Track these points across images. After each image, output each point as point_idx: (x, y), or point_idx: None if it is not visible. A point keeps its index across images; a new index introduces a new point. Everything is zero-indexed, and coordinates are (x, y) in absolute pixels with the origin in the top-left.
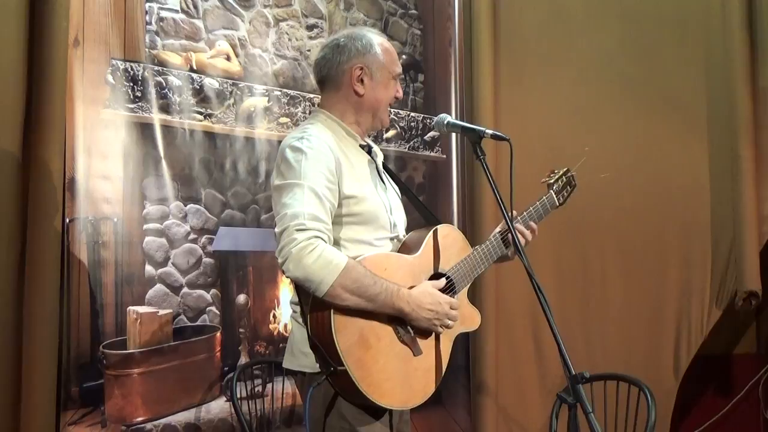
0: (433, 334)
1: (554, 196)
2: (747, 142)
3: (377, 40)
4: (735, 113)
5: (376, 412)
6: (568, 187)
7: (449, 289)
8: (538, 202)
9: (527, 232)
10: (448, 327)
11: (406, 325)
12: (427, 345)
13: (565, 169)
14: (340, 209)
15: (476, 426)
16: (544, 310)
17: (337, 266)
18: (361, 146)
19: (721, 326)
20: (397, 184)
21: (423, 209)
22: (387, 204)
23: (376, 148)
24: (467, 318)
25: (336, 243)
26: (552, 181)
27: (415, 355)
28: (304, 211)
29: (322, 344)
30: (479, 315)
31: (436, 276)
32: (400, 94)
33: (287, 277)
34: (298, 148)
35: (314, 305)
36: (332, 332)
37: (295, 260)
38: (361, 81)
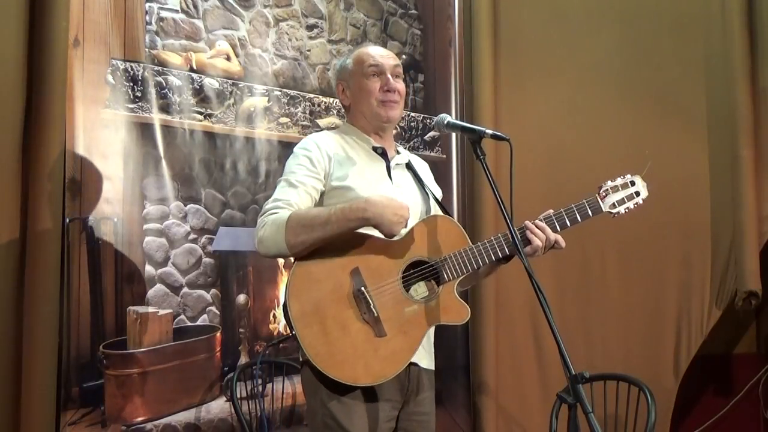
0: (406, 320)
1: (599, 200)
2: (747, 142)
3: (355, 52)
4: (735, 113)
5: (350, 392)
6: (634, 195)
7: (432, 276)
8: (574, 204)
9: (539, 234)
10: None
11: (371, 305)
12: (394, 329)
13: (628, 176)
14: (330, 200)
15: (476, 426)
16: (544, 310)
17: (281, 224)
18: (374, 148)
19: (721, 326)
20: (422, 187)
21: (443, 212)
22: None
23: (404, 153)
24: (452, 311)
25: None
26: (606, 185)
27: (376, 336)
28: (270, 200)
29: (284, 308)
30: (467, 310)
31: (417, 264)
32: (389, 84)
33: (265, 256)
34: (292, 151)
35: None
36: (287, 298)
37: (256, 240)
38: (345, 93)
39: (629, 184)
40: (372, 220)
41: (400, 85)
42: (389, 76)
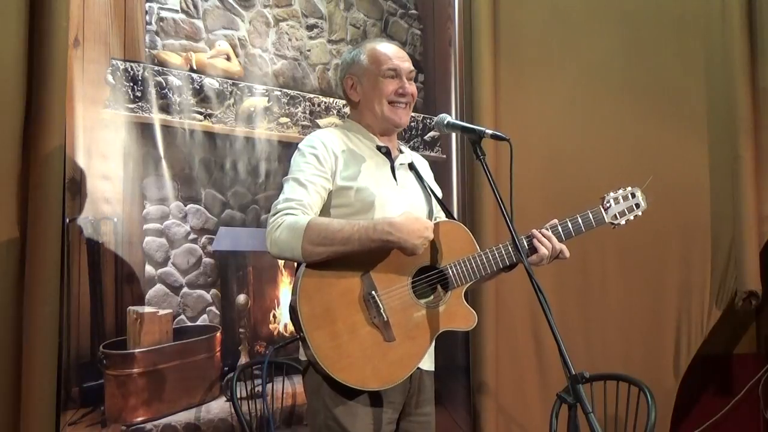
0: (414, 325)
1: (603, 211)
2: (747, 142)
3: (368, 47)
4: (735, 113)
5: (354, 395)
6: (634, 207)
7: (440, 283)
8: (579, 215)
9: (546, 243)
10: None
11: (381, 309)
12: (403, 334)
13: (629, 188)
14: (336, 200)
15: (476, 426)
16: (544, 310)
17: (299, 229)
18: (378, 147)
19: (721, 326)
20: (424, 188)
21: (446, 211)
22: (387, 198)
23: (407, 152)
24: (459, 317)
25: None
26: (609, 196)
27: (385, 340)
28: (281, 198)
29: (292, 310)
30: (474, 316)
31: (426, 269)
32: (405, 88)
33: (277, 258)
34: (297, 148)
35: (296, 273)
36: (297, 300)
37: (270, 241)
38: (355, 89)
39: (630, 196)
40: (396, 243)
41: (413, 88)
42: (405, 80)
